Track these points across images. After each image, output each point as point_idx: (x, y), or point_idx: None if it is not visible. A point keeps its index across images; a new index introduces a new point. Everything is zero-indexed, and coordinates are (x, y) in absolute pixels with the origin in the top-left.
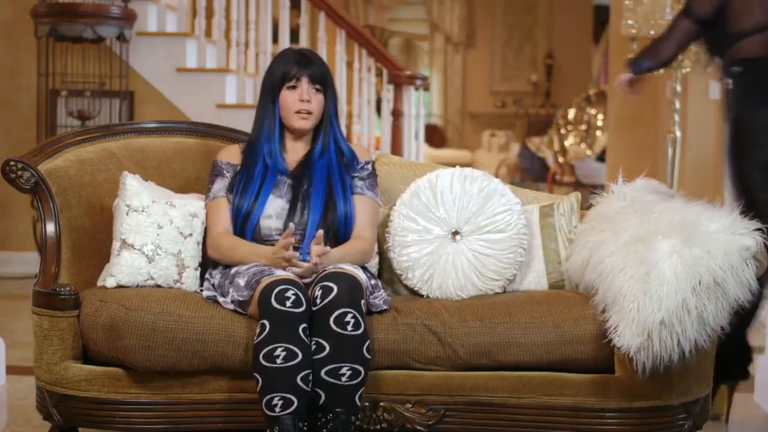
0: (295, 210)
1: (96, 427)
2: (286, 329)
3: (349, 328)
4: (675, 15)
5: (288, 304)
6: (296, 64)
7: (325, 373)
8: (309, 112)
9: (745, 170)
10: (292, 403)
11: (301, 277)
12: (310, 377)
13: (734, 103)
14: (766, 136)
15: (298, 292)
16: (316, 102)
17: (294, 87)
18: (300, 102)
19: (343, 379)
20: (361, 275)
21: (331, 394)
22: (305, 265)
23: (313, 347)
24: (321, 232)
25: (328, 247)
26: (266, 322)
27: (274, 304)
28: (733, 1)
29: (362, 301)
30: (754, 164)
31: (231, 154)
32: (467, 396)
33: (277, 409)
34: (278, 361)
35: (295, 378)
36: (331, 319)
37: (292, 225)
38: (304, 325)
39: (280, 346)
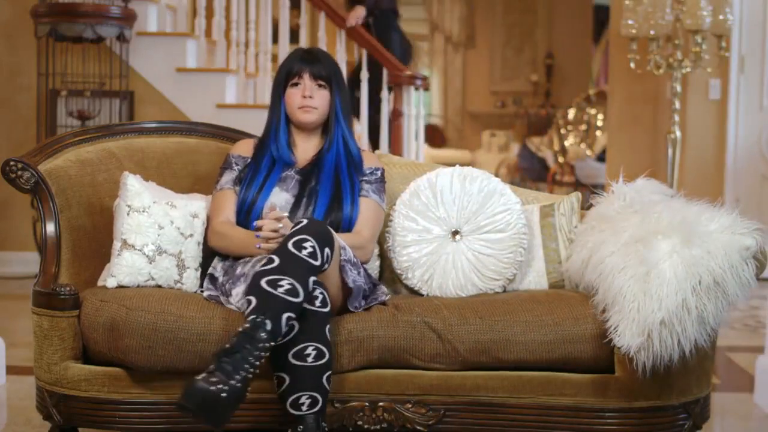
0: (300, 205)
1: (96, 427)
2: (316, 328)
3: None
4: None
5: (317, 303)
6: (300, 62)
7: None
8: (313, 107)
9: None
10: (318, 402)
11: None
12: (331, 378)
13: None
14: None
15: (323, 291)
16: (319, 98)
17: (297, 84)
18: (302, 98)
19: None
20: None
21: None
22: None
23: None
24: (274, 204)
25: (285, 213)
26: (294, 323)
27: (304, 304)
28: None
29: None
30: None
31: (244, 148)
32: (467, 396)
33: (304, 408)
34: (309, 359)
35: (321, 377)
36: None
37: (272, 203)
38: (329, 325)
39: (311, 345)
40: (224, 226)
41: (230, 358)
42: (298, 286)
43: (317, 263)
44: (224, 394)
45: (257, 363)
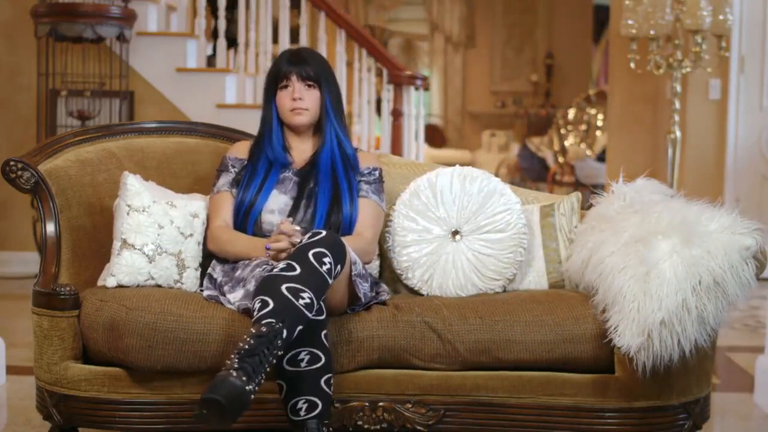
0: (299, 207)
1: (96, 427)
2: (309, 334)
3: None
4: None
5: (313, 311)
6: (287, 63)
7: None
8: (303, 109)
9: None
10: (317, 406)
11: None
12: (332, 381)
13: None
14: None
15: (321, 301)
16: (309, 98)
17: (286, 86)
18: (292, 101)
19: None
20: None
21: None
22: (280, 245)
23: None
24: (290, 219)
25: (297, 227)
26: None
27: None
28: None
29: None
30: None
31: (240, 150)
32: (467, 396)
33: (302, 413)
34: (302, 364)
35: (318, 381)
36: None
37: (288, 219)
38: (325, 331)
39: (303, 350)
40: (222, 230)
41: (251, 359)
42: (315, 301)
43: (330, 281)
44: (252, 396)
45: (269, 369)
